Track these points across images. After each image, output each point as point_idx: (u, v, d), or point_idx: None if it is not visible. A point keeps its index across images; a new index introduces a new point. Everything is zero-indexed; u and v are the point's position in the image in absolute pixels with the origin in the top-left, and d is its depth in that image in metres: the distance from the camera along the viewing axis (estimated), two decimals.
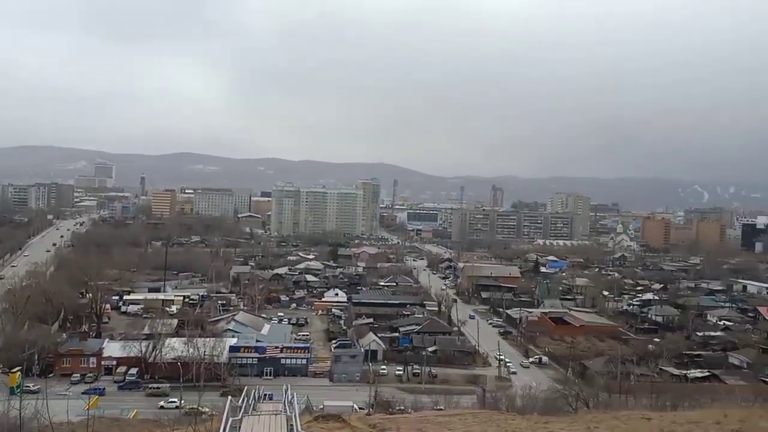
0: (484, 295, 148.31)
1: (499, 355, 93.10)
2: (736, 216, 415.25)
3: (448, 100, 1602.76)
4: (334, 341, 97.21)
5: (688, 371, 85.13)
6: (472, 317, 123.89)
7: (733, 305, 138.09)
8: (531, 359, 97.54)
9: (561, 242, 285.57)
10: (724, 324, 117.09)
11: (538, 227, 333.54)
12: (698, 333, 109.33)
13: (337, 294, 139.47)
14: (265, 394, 39.66)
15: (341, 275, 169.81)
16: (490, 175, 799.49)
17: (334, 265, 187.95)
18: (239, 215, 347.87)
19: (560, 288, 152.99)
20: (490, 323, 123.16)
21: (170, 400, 67.89)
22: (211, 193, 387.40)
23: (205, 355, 77.44)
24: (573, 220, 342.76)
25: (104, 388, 74.01)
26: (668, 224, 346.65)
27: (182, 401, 62.73)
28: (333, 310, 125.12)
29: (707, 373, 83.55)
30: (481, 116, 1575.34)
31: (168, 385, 73.26)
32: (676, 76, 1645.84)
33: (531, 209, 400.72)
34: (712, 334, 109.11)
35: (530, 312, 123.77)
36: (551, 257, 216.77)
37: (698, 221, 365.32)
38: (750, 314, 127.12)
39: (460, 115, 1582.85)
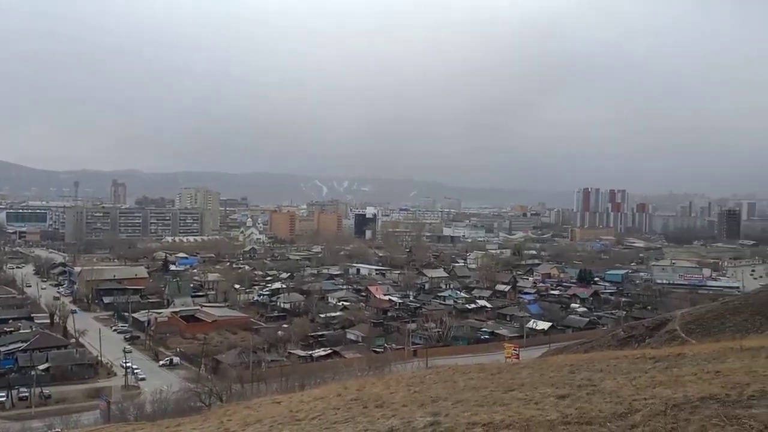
0: (106, 300, 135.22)
1: (125, 362, 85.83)
2: (349, 207, 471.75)
3: (53, 86, 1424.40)
4: None
5: (314, 351, 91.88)
6: (74, 312, 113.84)
7: (349, 287, 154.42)
8: (162, 362, 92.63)
9: (191, 238, 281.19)
10: (342, 304, 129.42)
11: (166, 224, 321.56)
12: (321, 315, 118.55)
13: None
14: None
15: None
16: (109, 169, 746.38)
17: None
18: None
19: (191, 285, 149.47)
20: (115, 329, 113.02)
21: None
22: None
23: None
24: (203, 215, 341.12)
25: None
26: (293, 216, 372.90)
27: None
28: None
29: (330, 351, 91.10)
30: (96, 105, 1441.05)
31: None
32: (295, 83, 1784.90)
33: (158, 205, 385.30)
34: (333, 314, 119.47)
35: (160, 313, 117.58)
36: (181, 254, 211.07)
37: (319, 213, 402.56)
38: (363, 294, 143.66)
39: (70, 103, 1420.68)
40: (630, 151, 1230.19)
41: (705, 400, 8.69)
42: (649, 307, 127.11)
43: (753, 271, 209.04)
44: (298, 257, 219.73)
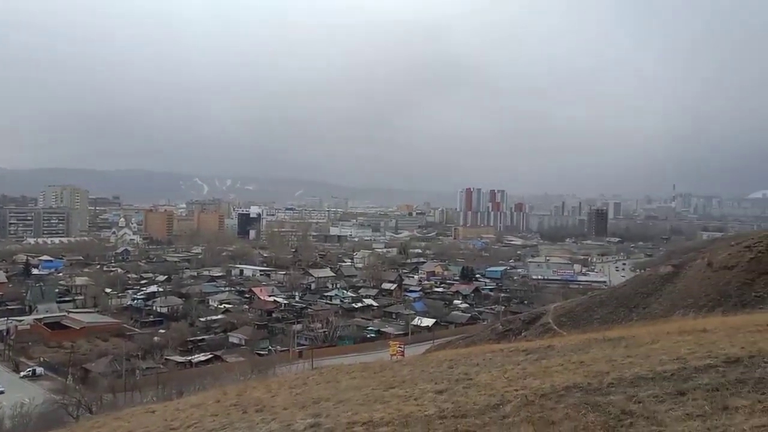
0: None
1: None
2: (232, 206, 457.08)
3: None
4: None
5: (193, 357, 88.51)
6: None
7: (232, 289, 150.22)
8: (23, 373, 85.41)
9: (57, 240, 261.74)
10: (224, 307, 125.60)
11: (28, 224, 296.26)
12: (201, 319, 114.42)
13: None
14: None
15: None
16: None
17: None
18: None
19: (57, 290, 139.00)
20: None
21: None
22: None
23: None
24: (70, 215, 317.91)
25: None
26: (171, 216, 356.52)
27: None
28: None
29: (210, 356, 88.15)
30: None
31: None
32: (173, 74, 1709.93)
33: (19, 204, 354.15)
34: (214, 318, 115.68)
35: (21, 320, 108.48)
36: (45, 257, 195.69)
37: (199, 212, 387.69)
38: (247, 295, 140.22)
39: None
40: (509, 153, 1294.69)
41: (569, 389, 9.17)
42: (525, 302, 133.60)
43: (624, 264, 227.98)
44: (176, 259, 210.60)
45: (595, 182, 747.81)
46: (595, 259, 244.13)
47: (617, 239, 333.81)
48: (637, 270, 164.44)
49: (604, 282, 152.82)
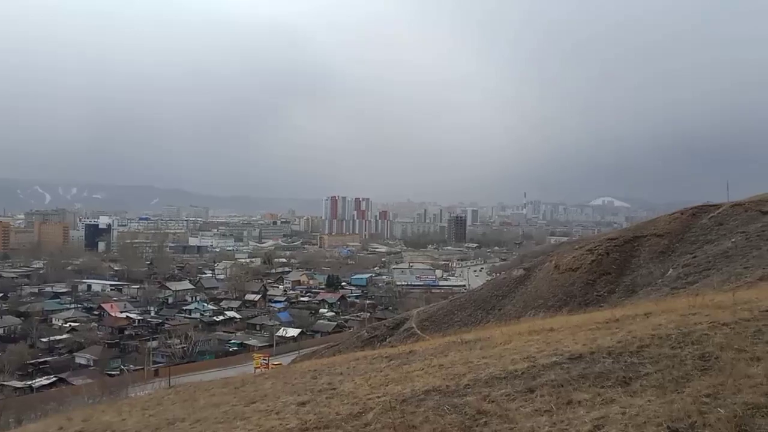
0: None
1: None
2: (79, 217, 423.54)
3: None
4: None
5: (34, 381, 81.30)
6: None
7: (79, 305, 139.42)
8: None
9: None
10: (70, 326, 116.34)
11: None
12: (43, 339, 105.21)
13: None
14: None
15: None
16: None
17: None
18: None
19: None
20: None
21: None
22: None
23: None
24: None
25: None
26: (7, 228, 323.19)
27: None
28: None
29: (54, 379, 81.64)
30: None
31: None
32: (8, 71, 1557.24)
33: None
34: (58, 337, 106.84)
35: None
36: None
37: (40, 224, 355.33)
38: (95, 312, 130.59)
39: None
40: (373, 160, 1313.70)
41: (429, 393, 9.34)
42: (390, 308, 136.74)
43: (481, 268, 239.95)
44: (13, 275, 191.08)
45: (454, 189, 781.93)
46: (455, 264, 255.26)
47: (475, 245, 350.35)
48: (493, 274, 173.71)
49: (464, 286, 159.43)
